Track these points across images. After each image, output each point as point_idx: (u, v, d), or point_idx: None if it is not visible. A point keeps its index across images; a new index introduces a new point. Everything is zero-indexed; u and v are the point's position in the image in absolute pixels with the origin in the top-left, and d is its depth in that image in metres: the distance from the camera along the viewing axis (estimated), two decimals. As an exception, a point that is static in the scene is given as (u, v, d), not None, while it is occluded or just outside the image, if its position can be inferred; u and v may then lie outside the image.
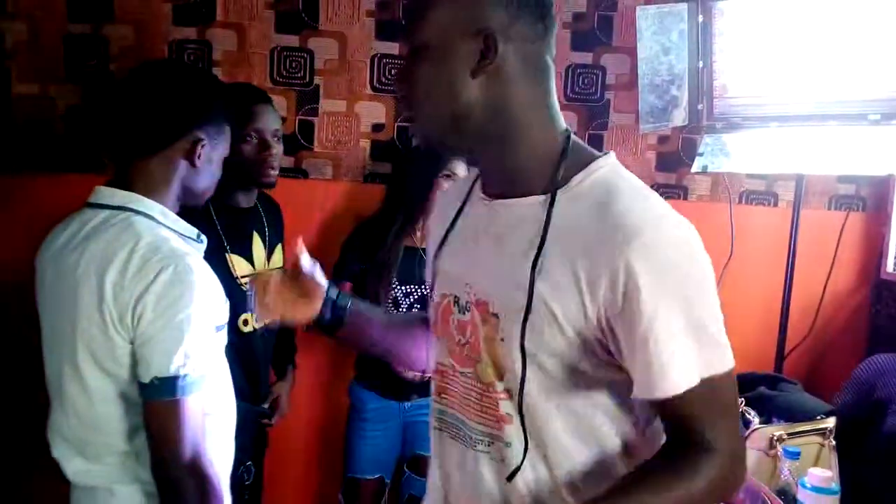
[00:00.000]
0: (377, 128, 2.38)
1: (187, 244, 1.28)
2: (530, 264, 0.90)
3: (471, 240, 1.01)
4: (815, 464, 1.60)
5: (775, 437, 1.58)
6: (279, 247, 2.00)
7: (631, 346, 0.87)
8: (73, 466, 1.27)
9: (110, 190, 1.27)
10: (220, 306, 1.28)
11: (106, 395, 1.22)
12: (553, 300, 0.89)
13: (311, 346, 2.30)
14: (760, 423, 1.63)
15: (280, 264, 1.99)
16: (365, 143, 2.39)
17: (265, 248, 1.94)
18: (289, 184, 2.32)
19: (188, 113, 1.27)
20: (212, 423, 1.26)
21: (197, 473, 1.17)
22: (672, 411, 0.89)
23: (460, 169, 2.06)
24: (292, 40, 2.32)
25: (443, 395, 1.06)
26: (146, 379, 1.17)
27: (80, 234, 1.24)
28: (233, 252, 1.85)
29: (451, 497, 1.06)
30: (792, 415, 1.67)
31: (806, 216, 2.29)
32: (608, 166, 0.95)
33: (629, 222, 0.86)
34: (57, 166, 2.25)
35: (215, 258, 1.76)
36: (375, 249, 2.13)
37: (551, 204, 0.91)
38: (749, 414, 1.65)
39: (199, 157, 1.28)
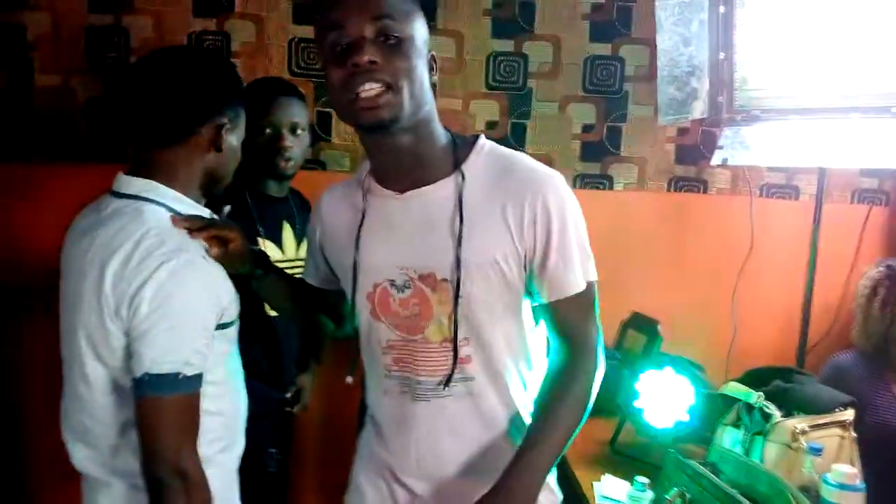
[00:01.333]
0: (395, 119, 2.38)
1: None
2: (457, 232, 1.16)
3: (385, 231, 1.21)
4: (837, 456, 1.59)
5: (798, 430, 1.57)
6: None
7: (546, 263, 1.17)
8: (77, 453, 1.27)
9: (128, 178, 1.25)
10: (226, 303, 1.25)
11: (102, 385, 1.21)
12: (494, 249, 1.16)
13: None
14: (781, 416, 1.62)
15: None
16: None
17: (295, 237, 1.95)
18: (307, 175, 2.32)
19: (211, 99, 1.26)
20: (214, 422, 1.25)
21: (183, 474, 1.14)
22: (564, 314, 1.20)
23: None
24: (309, 31, 2.31)
25: (400, 365, 1.24)
26: (138, 374, 1.15)
27: (96, 221, 1.23)
28: (265, 237, 1.87)
29: (417, 451, 1.26)
30: (810, 406, 1.66)
31: (828, 210, 2.26)
32: (487, 144, 1.23)
33: (538, 175, 1.18)
34: (78, 156, 2.27)
35: (248, 241, 1.79)
36: None
37: (463, 178, 1.18)
38: (769, 408, 1.63)
39: (223, 142, 1.27)
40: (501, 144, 1.25)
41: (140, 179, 1.24)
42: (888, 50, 1.93)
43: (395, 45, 1.10)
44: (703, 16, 2.17)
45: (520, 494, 1.12)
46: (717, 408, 1.77)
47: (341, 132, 2.38)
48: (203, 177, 1.28)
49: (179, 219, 1.22)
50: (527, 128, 2.41)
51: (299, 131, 1.87)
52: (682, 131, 2.45)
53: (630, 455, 1.87)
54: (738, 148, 2.23)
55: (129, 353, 1.17)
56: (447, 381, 1.21)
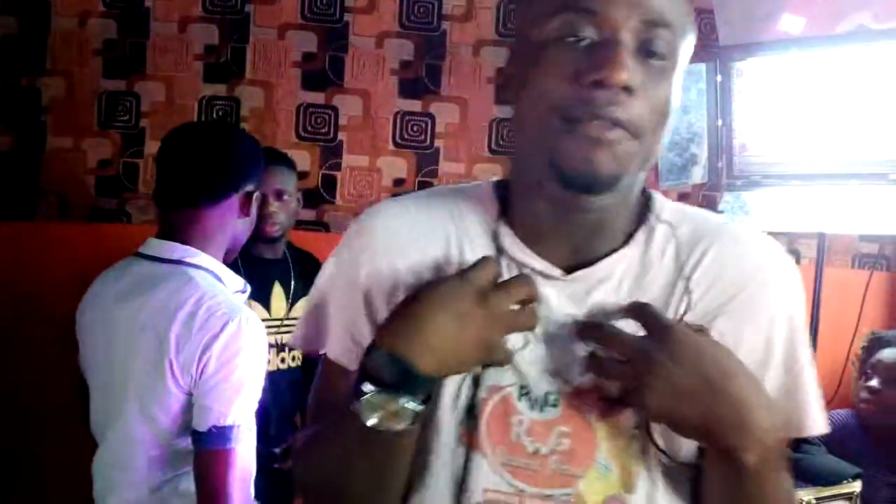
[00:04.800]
0: (398, 182, 2.42)
1: (235, 296, 1.33)
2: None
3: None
4: (845, 530, 1.56)
5: (804, 503, 1.55)
6: (304, 299, 2.03)
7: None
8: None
9: (168, 244, 1.29)
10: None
11: (147, 445, 1.25)
12: None
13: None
14: (787, 486, 1.60)
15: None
16: (386, 198, 2.42)
17: (286, 299, 2.00)
18: (311, 237, 2.35)
19: (243, 168, 1.35)
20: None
21: None
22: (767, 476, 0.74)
23: None
24: (318, 97, 2.39)
25: None
26: (204, 428, 1.19)
27: (136, 285, 1.27)
28: (251, 298, 1.91)
29: None
30: (818, 478, 1.63)
31: (829, 275, 2.26)
32: (666, 200, 0.82)
33: (767, 252, 0.78)
34: (86, 216, 2.30)
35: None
36: None
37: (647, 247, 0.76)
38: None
39: (250, 208, 1.35)
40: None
41: (179, 245, 1.29)
42: (884, 118, 1.97)
43: (662, 71, 0.68)
44: (701, 84, 2.22)
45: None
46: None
47: (345, 194, 2.41)
48: (231, 241, 1.37)
49: None
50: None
51: (285, 197, 1.93)
52: (683, 196, 2.48)
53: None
54: (738, 213, 2.24)
55: (190, 411, 1.22)
56: None
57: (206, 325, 1.20)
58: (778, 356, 0.74)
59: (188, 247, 1.29)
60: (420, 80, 2.40)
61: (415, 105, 2.41)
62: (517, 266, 0.75)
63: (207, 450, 1.19)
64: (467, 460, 0.73)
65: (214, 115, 2.35)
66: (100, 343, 1.30)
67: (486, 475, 0.73)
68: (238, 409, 1.21)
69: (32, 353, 2.21)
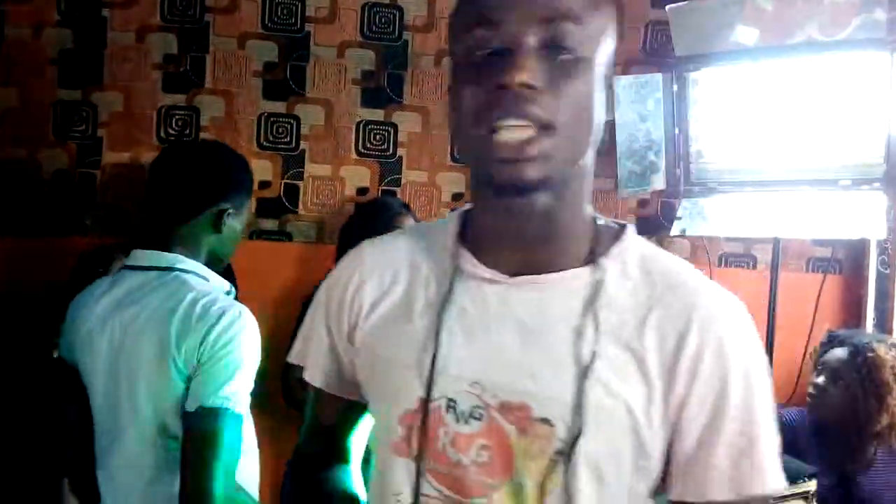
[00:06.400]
0: (362, 191, 2.42)
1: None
2: (585, 351, 0.74)
3: (466, 325, 0.78)
4: (800, 528, 1.59)
5: (759, 501, 1.57)
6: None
7: (713, 436, 0.73)
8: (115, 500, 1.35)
9: (156, 253, 1.39)
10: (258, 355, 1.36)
11: (152, 435, 1.31)
12: (630, 391, 0.74)
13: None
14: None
15: None
16: (350, 207, 2.42)
17: None
18: (273, 247, 2.33)
19: (216, 186, 1.44)
20: (243, 463, 1.32)
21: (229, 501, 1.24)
22: None
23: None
24: (279, 107, 2.38)
25: None
26: (192, 408, 1.25)
27: (131, 293, 1.36)
28: None
29: None
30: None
31: (784, 278, 2.32)
32: (637, 237, 0.82)
33: (709, 297, 0.78)
34: (42, 230, 2.25)
35: None
36: None
37: (602, 274, 0.78)
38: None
39: (223, 225, 1.43)
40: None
41: (167, 253, 1.39)
42: (834, 126, 2.03)
43: (569, 64, 0.72)
44: (658, 94, 2.27)
45: None
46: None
47: (307, 204, 2.40)
48: (207, 254, 1.44)
49: None
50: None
51: None
52: (643, 203, 2.52)
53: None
54: (696, 219, 2.29)
55: (186, 395, 1.27)
56: None
57: (205, 318, 1.28)
58: (731, 415, 0.73)
59: (176, 255, 1.38)
60: (382, 90, 2.41)
61: (377, 114, 2.41)
62: (468, 277, 0.80)
63: (194, 428, 1.24)
64: (394, 467, 0.79)
65: (174, 125, 2.33)
66: (103, 351, 1.35)
67: (412, 478, 0.78)
68: (226, 394, 1.25)
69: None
